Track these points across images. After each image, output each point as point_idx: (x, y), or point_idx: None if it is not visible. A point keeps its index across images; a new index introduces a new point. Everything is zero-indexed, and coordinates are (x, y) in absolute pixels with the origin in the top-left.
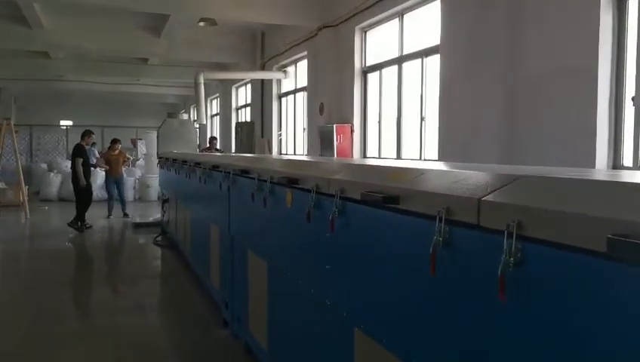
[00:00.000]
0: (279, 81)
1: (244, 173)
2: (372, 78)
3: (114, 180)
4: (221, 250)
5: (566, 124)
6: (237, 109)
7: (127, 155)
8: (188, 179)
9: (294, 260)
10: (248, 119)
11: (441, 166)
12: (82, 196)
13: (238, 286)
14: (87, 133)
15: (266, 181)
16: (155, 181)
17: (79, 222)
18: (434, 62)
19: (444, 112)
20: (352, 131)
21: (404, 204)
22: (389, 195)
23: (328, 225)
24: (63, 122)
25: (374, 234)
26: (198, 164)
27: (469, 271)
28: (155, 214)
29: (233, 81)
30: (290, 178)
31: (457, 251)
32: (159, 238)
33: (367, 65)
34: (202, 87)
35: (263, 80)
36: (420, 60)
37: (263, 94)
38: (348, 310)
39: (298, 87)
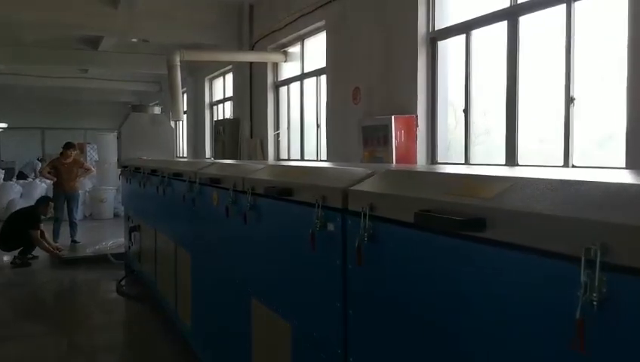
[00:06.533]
0: (276, 66)
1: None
2: (444, 47)
3: (64, 196)
4: None
5: None
6: (212, 105)
7: (87, 165)
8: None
9: None
10: (228, 116)
11: (326, 165)
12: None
13: None
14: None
15: None
16: (110, 194)
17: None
18: (591, 7)
19: None
20: (415, 126)
21: (297, 195)
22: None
23: None
24: None
25: None
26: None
27: (339, 246)
28: (112, 238)
29: (206, 72)
30: None
31: (331, 231)
32: (124, 282)
33: (437, 28)
34: (179, 70)
35: (251, 66)
36: (562, 7)
37: (252, 84)
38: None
39: (306, 71)
